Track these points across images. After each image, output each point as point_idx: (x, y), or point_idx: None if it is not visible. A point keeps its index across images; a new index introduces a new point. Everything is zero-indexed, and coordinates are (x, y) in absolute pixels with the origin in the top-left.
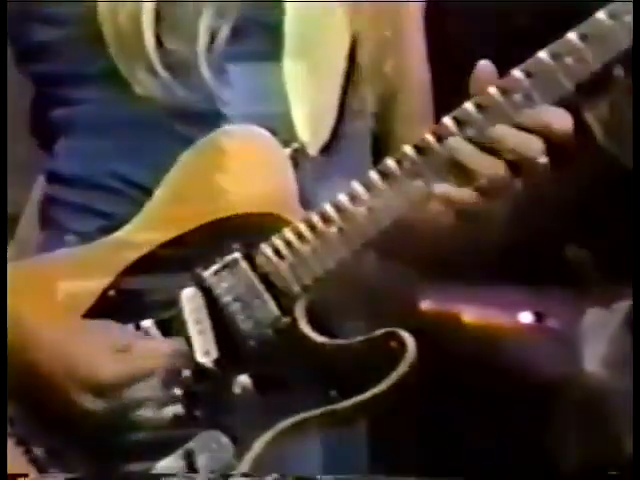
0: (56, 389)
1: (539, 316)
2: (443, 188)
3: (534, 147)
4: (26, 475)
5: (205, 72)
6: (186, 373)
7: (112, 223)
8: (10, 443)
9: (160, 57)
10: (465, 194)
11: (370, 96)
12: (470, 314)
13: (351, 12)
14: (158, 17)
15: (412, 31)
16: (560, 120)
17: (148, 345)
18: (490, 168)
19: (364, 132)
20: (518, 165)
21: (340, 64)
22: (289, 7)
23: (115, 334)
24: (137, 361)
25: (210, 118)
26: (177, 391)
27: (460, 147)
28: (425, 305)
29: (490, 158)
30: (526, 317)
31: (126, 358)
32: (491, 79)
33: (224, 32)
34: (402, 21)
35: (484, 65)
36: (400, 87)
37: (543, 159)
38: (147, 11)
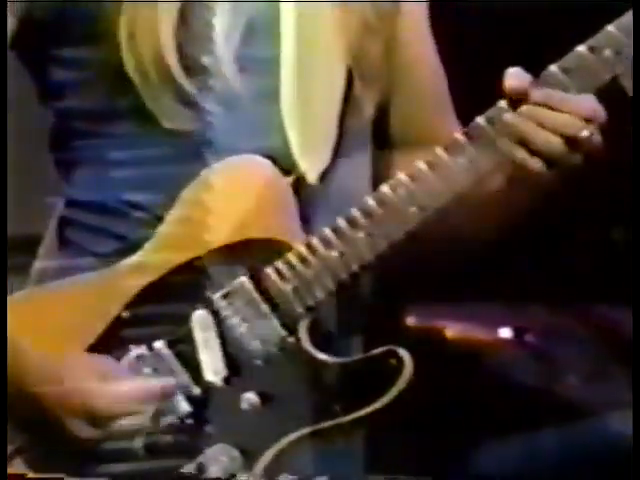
0: (52, 416)
1: (519, 332)
2: (522, 154)
3: (573, 125)
4: (26, 475)
5: (216, 101)
6: (195, 391)
7: (127, 245)
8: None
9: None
10: (536, 164)
11: (369, 117)
12: (453, 330)
13: (346, 39)
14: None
15: (414, 44)
16: (586, 103)
17: (138, 387)
18: (548, 143)
19: (363, 157)
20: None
21: (337, 92)
22: (285, 39)
23: (109, 368)
24: (128, 399)
25: (217, 150)
26: (186, 407)
27: (518, 123)
28: (410, 321)
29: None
30: (506, 332)
31: (118, 393)
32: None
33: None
34: (400, 37)
35: (515, 72)
36: (400, 103)
37: (585, 133)
38: (168, 43)
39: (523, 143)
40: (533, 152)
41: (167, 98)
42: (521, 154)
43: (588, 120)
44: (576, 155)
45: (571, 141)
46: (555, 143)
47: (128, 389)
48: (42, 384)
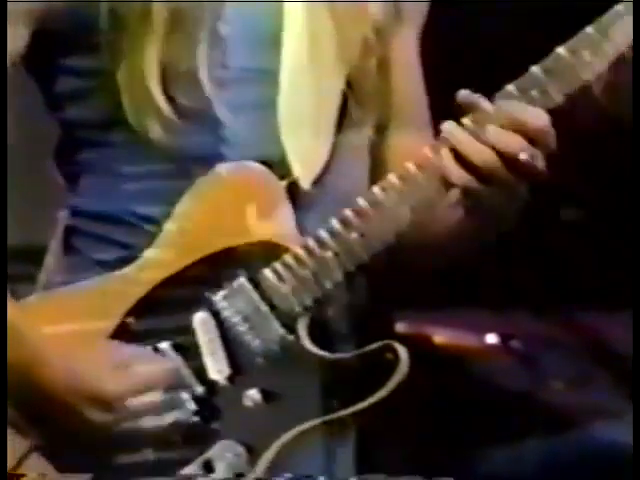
0: (64, 406)
1: (505, 337)
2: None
3: (514, 144)
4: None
5: (214, 114)
6: (200, 390)
7: (130, 253)
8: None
9: (171, 106)
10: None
11: (366, 127)
12: (441, 336)
13: (342, 52)
14: (164, 71)
15: (406, 56)
16: (536, 119)
17: (144, 366)
18: (487, 160)
19: (358, 161)
20: (507, 160)
21: (333, 106)
22: (285, 53)
23: (115, 352)
24: (136, 378)
25: (214, 159)
26: (191, 406)
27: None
28: (398, 328)
29: (487, 150)
30: (492, 338)
31: (126, 374)
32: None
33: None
34: (393, 59)
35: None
36: (394, 112)
37: (523, 156)
38: (151, 66)
39: (458, 156)
40: (466, 166)
41: (152, 115)
42: (451, 166)
43: (534, 140)
44: (514, 176)
45: (509, 161)
46: (491, 160)
47: (138, 373)
48: (56, 376)
